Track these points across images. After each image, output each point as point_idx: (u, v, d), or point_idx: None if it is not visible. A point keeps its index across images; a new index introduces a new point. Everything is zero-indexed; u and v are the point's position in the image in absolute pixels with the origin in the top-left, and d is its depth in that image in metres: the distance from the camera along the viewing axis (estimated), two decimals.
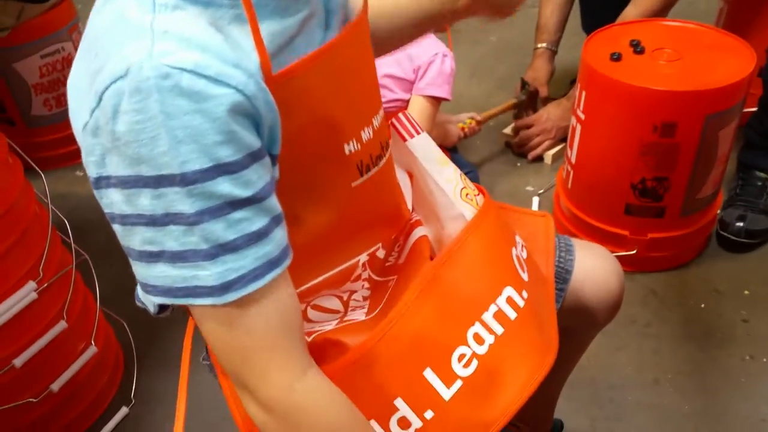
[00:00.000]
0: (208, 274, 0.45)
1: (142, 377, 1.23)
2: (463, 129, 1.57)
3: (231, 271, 0.45)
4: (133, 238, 0.46)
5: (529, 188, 1.64)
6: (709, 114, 1.18)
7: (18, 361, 0.99)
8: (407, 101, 1.36)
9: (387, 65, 1.33)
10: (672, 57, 1.26)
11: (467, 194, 0.68)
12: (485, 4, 0.69)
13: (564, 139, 1.66)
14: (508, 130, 1.79)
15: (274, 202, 0.47)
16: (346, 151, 0.55)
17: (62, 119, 1.79)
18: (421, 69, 1.33)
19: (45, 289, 1.04)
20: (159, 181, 0.43)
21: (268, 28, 0.48)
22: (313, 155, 0.53)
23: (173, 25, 0.43)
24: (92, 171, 0.46)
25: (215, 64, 0.42)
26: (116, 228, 0.47)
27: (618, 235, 1.33)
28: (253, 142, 0.45)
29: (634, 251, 1.33)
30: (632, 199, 1.29)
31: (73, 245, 1.15)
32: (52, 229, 1.09)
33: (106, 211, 0.47)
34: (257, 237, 0.45)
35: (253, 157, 0.45)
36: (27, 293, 1.01)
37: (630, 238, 1.33)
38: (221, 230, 0.44)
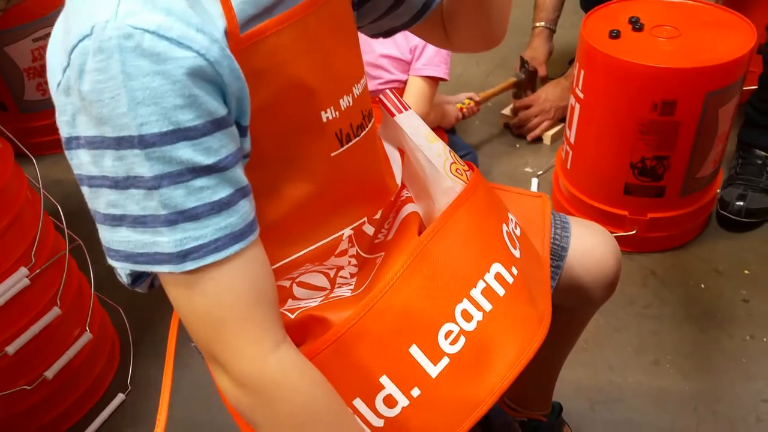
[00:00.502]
0: (167, 240, 0.44)
1: (138, 364, 1.23)
2: (461, 109, 1.55)
3: (190, 239, 0.44)
4: (98, 201, 0.45)
5: (528, 169, 1.63)
6: (709, 91, 1.16)
7: (11, 349, 0.99)
8: (404, 82, 1.34)
9: (383, 45, 1.31)
10: (671, 34, 1.24)
11: (457, 169, 0.67)
12: None
13: (563, 120, 1.64)
14: (506, 111, 1.77)
15: (239, 174, 0.46)
16: (323, 119, 0.53)
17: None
18: (418, 49, 1.30)
19: (38, 275, 1.03)
20: (119, 143, 0.42)
21: None
22: (288, 123, 0.52)
23: None
24: (64, 131, 0.45)
25: (178, 26, 0.42)
26: (84, 190, 0.46)
27: (617, 215, 1.32)
28: (217, 108, 0.44)
29: (634, 231, 1.32)
30: (631, 179, 1.27)
31: (66, 230, 1.14)
32: (44, 214, 1.08)
33: (75, 172, 0.46)
34: (219, 207, 0.45)
35: (217, 125, 0.44)
36: (19, 279, 1.00)
37: (629, 218, 1.31)
38: (181, 197, 0.43)
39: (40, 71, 1.75)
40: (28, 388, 1.03)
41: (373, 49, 1.31)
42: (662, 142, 1.21)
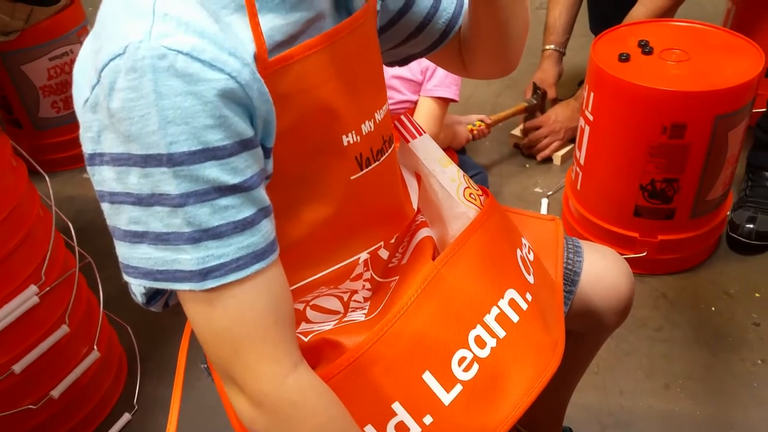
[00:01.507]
0: (189, 258, 0.44)
1: (145, 383, 1.22)
2: (472, 131, 1.56)
3: (212, 257, 0.44)
4: (119, 217, 0.46)
5: (538, 189, 1.63)
6: (719, 114, 1.16)
7: (18, 367, 0.98)
8: (415, 102, 1.34)
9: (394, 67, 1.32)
10: (681, 57, 1.24)
11: (471, 194, 0.67)
12: None
13: (573, 140, 1.64)
14: (516, 132, 1.78)
15: (262, 194, 0.47)
16: (344, 143, 0.54)
17: (69, 121, 1.79)
18: (429, 70, 1.31)
19: (47, 293, 1.03)
20: (147, 161, 0.43)
21: (269, 23, 0.47)
22: (310, 146, 0.52)
23: (174, 9, 0.43)
24: (88, 147, 0.46)
25: (211, 49, 0.42)
26: (104, 206, 0.47)
27: (627, 237, 1.32)
28: (245, 130, 0.45)
29: (644, 253, 1.31)
30: (641, 201, 1.27)
31: (76, 248, 1.15)
32: (55, 232, 1.08)
33: (96, 188, 0.47)
34: (243, 226, 0.45)
35: (244, 146, 0.45)
36: (28, 297, 1.00)
37: (639, 240, 1.31)
38: (206, 215, 0.44)
39: (56, 89, 1.76)
40: (34, 407, 1.03)
41: (385, 70, 1.31)
42: (672, 165, 1.21)
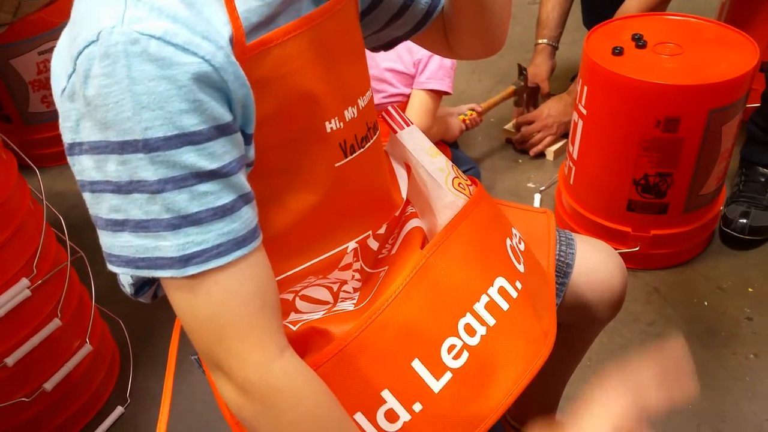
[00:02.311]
0: (169, 245, 0.44)
1: (138, 376, 1.22)
2: (464, 121, 1.56)
3: (192, 244, 0.44)
4: (100, 206, 0.45)
5: (531, 185, 1.63)
6: (713, 108, 1.16)
7: (10, 360, 0.98)
8: (408, 95, 1.34)
9: (388, 59, 1.31)
10: (674, 51, 1.24)
11: (459, 183, 0.67)
12: None
13: (566, 135, 1.64)
14: (509, 126, 1.78)
15: (242, 180, 0.46)
16: (328, 129, 0.54)
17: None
18: (422, 62, 1.31)
19: (39, 287, 1.02)
20: (124, 147, 0.43)
21: (245, 5, 0.47)
22: (292, 133, 0.52)
23: None
24: (67, 137, 0.46)
25: (184, 33, 0.42)
26: (86, 196, 0.46)
27: (620, 231, 1.32)
28: (222, 114, 0.44)
29: (637, 248, 1.31)
30: (635, 196, 1.27)
31: (68, 242, 1.14)
32: (46, 225, 1.07)
33: (77, 178, 0.47)
34: (222, 212, 0.45)
35: (221, 131, 0.44)
36: (20, 290, 0.99)
37: (632, 235, 1.31)
38: (184, 201, 0.43)
39: (45, 83, 1.75)
40: (27, 400, 1.03)
41: (377, 63, 1.32)
42: (665, 159, 1.21)
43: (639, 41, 1.26)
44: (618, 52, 1.24)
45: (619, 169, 1.27)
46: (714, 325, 1.24)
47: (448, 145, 1.52)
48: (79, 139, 0.45)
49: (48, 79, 1.81)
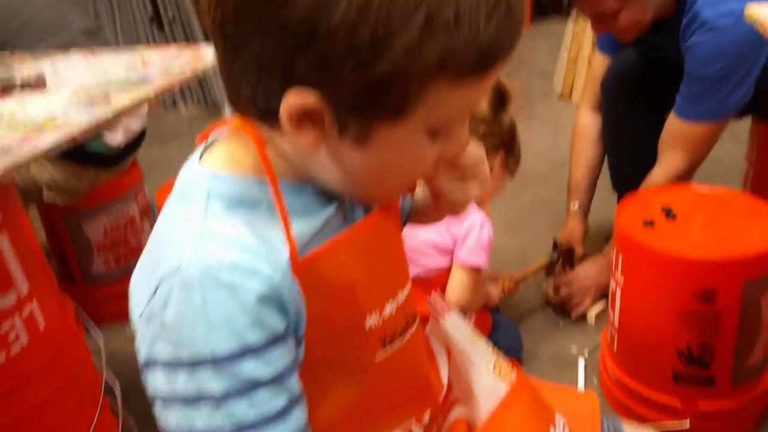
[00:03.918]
0: None
1: None
2: (502, 288, 1.60)
3: None
4: (170, 417, 0.50)
5: (574, 349, 1.62)
6: (749, 280, 1.19)
7: None
8: (446, 268, 1.39)
9: (426, 232, 1.39)
10: (704, 223, 1.28)
11: (500, 370, 0.70)
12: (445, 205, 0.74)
13: (605, 296, 1.66)
14: (547, 288, 1.81)
15: (294, 383, 0.51)
16: (368, 325, 0.58)
17: (118, 276, 1.86)
18: (460, 236, 1.37)
19: None
20: (194, 363, 0.48)
21: (297, 226, 0.54)
22: (335, 330, 0.57)
23: (218, 227, 0.51)
24: (143, 355, 0.51)
25: (250, 259, 0.49)
26: (157, 406, 0.51)
27: (668, 404, 1.29)
28: (279, 325, 0.50)
29: (687, 425, 1.27)
30: (679, 366, 1.26)
31: (120, 409, 1.18)
32: (103, 397, 1.12)
33: (149, 392, 0.51)
34: (276, 416, 0.49)
35: (277, 339, 0.50)
36: None
37: (681, 408, 1.28)
38: (244, 409, 0.48)
39: (109, 246, 1.86)
40: None
41: (417, 235, 1.39)
42: (706, 330, 1.22)
43: (669, 213, 1.31)
44: (649, 224, 1.29)
45: (661, 339, 1.27)
46: None
47: (489, 310, 1.55)
48: (153, 356, 0.50)
49: (112, 241, 1.93)
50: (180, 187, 0.55)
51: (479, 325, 1.47)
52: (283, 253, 0.52)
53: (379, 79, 0.46)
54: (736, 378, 1.26)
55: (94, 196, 1.79)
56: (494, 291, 1.56)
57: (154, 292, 0.49)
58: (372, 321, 0.59)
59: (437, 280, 1.39)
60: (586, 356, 1.59)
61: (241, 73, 0.50)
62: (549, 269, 1.79)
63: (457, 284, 1.37)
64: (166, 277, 0.49)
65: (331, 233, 0.57)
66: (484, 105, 1.38)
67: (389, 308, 0.60)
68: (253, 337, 0.49)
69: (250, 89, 0.51)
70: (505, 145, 1.45)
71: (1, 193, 1.01)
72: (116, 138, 1.69)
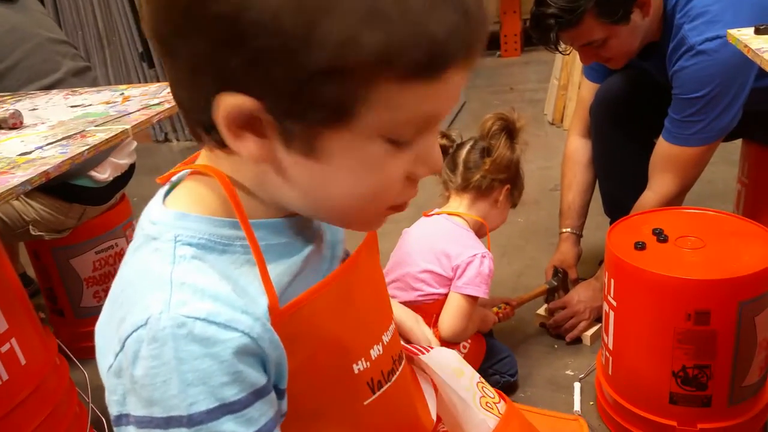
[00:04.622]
0: None
1: None
2: (497, 314, 1.59)
3: None
4: None
5: (570, 372, 1.60)
6: (742, 300, 1.18)
7: None
8: (445, 295, 1.38)
9: (427, 261, 1.38)
10: (696, 245, 1.29)
11: (487, 403, 0.69)
12: None
13: (599, 319, 1.65)
14: (541, 311, 1.80)
15: None
16: (355, 371, 0.56)
17: None
18: (460, 268, 1.36)
19: None
20: (168, 422, 0.45)
21: (276, 269, 0.51)
22: (322, 379, 0.54)
23: (189, 276, 0.47)
24: (114, 409, 0.48)
25: (225, 311, 0.46)
26: None
27: (665, 425, 1.27)
28: (258, 379, 0.47)
29: None
30: (675, 388, 1.25)
31: None
32: (90, 430, 1.10)
33: None
34: None
35: (258, 394, 0.47)
36: None
37: (678, 430, 1.26)
38: None
39: (99, 280, 1.86)
40: None
41: (417, 263, 1.39)
42: (702, 351, 1.21)
43: (660, 235, 1.31)
44: (640, 246, 1.29)
45: (656, 361, 1.26)
46: None
47: (483, 334, 1.54)
48: (125, 411, 0.47)
49: (102, 275, 1.91)
50: (143, 231, 0.51)
51: (473, 350, 1.46)
52: (261, 303, 0.49)
53: (314, 76, 0.41)
54: (733, 398, 1.25)
55: (82, 231, 1.79)
56: (489, 316, 1.55)
57: (123, 344, 0.46)
58: (359, 366, 0.57)
59: (435, 306, 1.39)
60: (582, 379, 1.57)
61: (179, 82, 0.47)
62: (548, 296, 1.78)
63: (453, 310, 1.36)
64: (134, 329, 0.45)
65: (313, 273, 0.55)
66: (492, 141, 1.40)
67: (375, 352, 0.58)
68: (232, 393, 0.45)
69: (188, 101, 0.47)
70: (511, 178, 1.46)
71: None
72: (103, 174, 1.68)
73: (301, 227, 0.55)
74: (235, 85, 0.43)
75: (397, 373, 0.62)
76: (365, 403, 0.57)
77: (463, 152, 1.46)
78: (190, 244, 0.49)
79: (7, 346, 0.96)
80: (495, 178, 1.43)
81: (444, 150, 1.48)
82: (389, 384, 0.60)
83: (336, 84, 0.42)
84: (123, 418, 0.48)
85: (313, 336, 0.53)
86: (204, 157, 0.53)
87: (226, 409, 0.45)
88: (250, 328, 0.47)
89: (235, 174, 0.50)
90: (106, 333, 0.49)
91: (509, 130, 1.40)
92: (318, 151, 0.46)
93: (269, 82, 0.43)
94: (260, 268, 0.50)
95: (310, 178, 0.48)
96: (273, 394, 0.49)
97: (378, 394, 0.58)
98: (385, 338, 0.60)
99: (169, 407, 0.45)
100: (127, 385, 0.47)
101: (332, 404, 0.56)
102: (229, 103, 0.44)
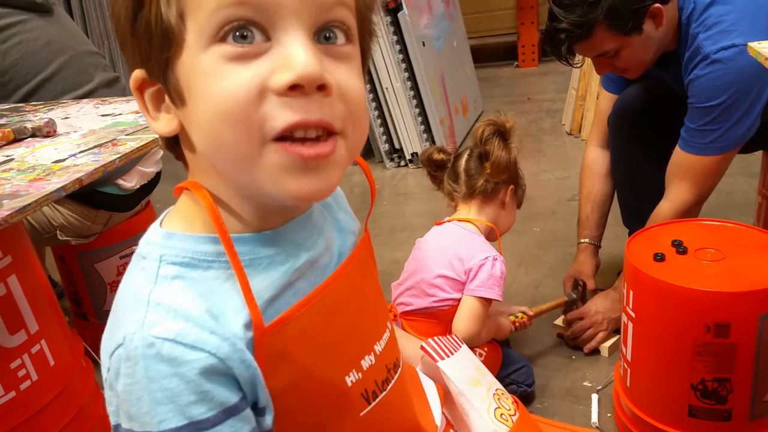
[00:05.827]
0: None
1: None
2: (514, 323, 1.59)
3: None
4: None
5: (587, 383, 1.60)
6: (763, 314, 1.17)
7: None
8: (458, 300, 1.40)
9: (439, 266, 1.40)
10: (716, 257, 1.28)
11: (502, 414, 0.70)
12: None
13: (618, 330, 1.64)
14: (559, 322, 1.79)
15: None
16: (348, 383, 0.56)
17: None
18: (473, 271, 1.38)
19: None
20: None
21: (261, 283, 0.52)
22: (315, 393, 0.55)
23: (165, 296, 0.49)
24: (112, 419, 0.51)
25: (194, 332, 0.48)
26: None
27: None
28: (229, 398, 0.49)
29: None
30: (695, 401, 1.24)
31: None
32: None
33: None
34: None
35: (229, 413, 0.49)
36: None
37: None
38: None
39: None
40: None
41: (431, 269, 1.40)
42: (721, 364, 1.20)
43: (679, 247, 1.31)
44: (660, 258, 1.28)
45: (674, 374, 1.25)
46: None
47: (499, 343, 1.54)
48: (118, 422, 0.50)
49: None
50: (138, 249, 0.54)
51: (490, 358, 1.46)
52: (238, 320, 0.50)
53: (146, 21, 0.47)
54: (754, 413, 1.24)
55: (108, 236, 1.83)
56: (505, 323, 1.55)
57: (110, 360, 0.49)
58: (352, 378, 0.57)
59: (451, 312, 1.40)
60: (600, 390, 1.56)
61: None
62: (566, 308, 1.78)
63: (466, 313, 1.37)
64: (116, 348, 0.48)
65: (314, 277, 0.55)
66: (487, 146, 1.41)
67: (367, 363, 0.58)
68: (200, 412, 0.47)
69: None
70: (512, 178, 1.48)
71: (11, 236, 1.03)
72: (130, 182, 1.72)
73: (298, 234, 0.55)
74: (133, 62, 0.50)
75: (393, 381, 0.61)
76: (362, 414, 0.57)
77: (462, 162, 1.49)
78: (174, 263, 0.51)
79: (37, 347, 0.99)
80: (498, 181, 1.45)
81: (442, 164, 1.51)
82: (385, 393, 0.60)
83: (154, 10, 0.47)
84: (119, 429, 0.50)
85: (302, 350, 0.53)
86: (191, 173, 0.55)
87: (195, 426, 0.47)
88: (217, 349, 0.48)
89: (214, 189, 0.52)
90: (103, 346, 0.52)
91: (501, 133, 1.42)
92: (182, 91, 0.48)
93: (138, 49, 0.49)
94: (241, 283, 0.50)
95: (195, 129, 0.49)
96: (248, 412, 0.50)
97: (374, 404, 0.58)
98: (378, 348, 0.60)
99: (143, 423, 0.48)
100: (115, 400, 0.50)
101: (330, 418, 0.56)
102: (133, 77, 0.50)
